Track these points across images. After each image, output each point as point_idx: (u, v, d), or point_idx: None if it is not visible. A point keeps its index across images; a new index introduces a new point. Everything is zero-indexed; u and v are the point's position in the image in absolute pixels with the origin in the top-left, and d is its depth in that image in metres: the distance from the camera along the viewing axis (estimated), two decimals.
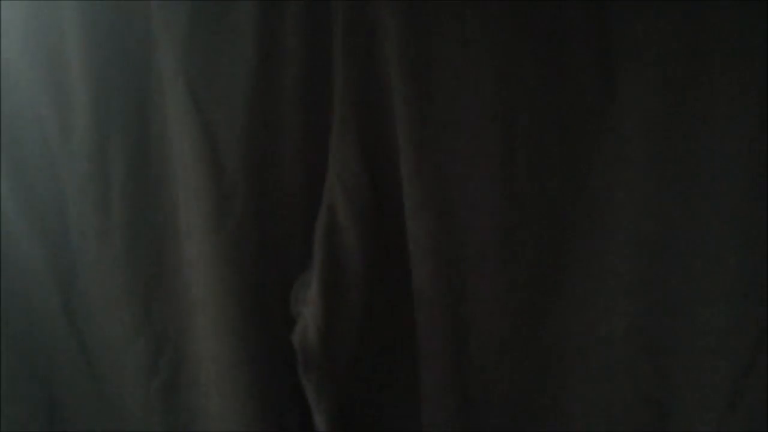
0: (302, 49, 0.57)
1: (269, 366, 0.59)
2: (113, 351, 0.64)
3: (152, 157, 0.61)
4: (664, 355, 0.55)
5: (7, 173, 0.64)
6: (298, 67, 0.57)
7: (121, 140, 0.61)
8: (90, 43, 0.60)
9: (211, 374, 0.61)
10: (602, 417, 0.57)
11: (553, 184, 0.55)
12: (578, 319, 0.56)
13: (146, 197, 0.62)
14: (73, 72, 0.61)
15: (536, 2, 0.53)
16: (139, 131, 0.61)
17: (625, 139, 0.54)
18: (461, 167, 0.55)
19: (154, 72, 0.60)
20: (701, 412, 0.54)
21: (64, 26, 0.61)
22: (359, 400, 0.60)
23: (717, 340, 0.53)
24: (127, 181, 0.62)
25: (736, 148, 0.52)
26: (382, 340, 0.59)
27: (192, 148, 0.59)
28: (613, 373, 0.56)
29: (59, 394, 0.67)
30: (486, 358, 0.57)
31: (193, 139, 0.58)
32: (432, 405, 0.58)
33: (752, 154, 0.51)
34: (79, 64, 0.61)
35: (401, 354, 0.59)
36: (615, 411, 0.56)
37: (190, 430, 0.64)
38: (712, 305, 0.53)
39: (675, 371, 0.55)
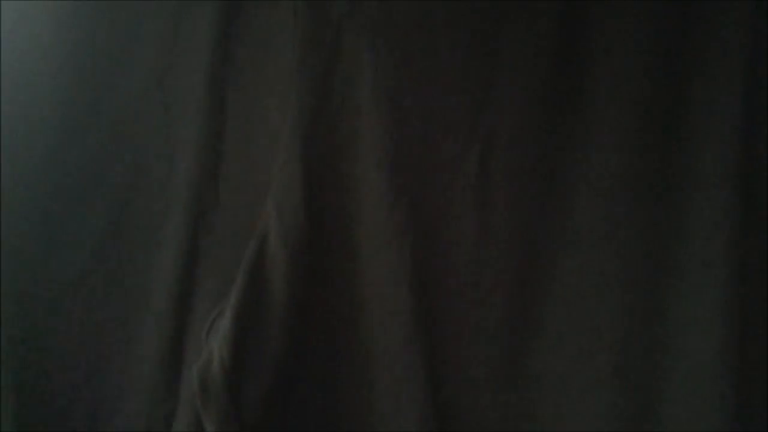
0: (257, 65, 0.55)
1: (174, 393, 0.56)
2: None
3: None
4: (654, 393, 0.52)
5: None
6: (250, 84, 0.56)
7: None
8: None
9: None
10: None
11: (531, 210, 0.52)
12: (560, 357, 0.52)
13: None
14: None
15: (508, 26, 0.52)
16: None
17: (603, 164, 0.51)
18: (436, 195, 0.52)
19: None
20: None
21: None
22: None
23: (709, 375, 0.50)
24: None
25: (719, 159, 0.50)
26: (309, 386, 0.54)
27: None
28: (600, 412, 0.52)
29: None
30: (460, 406, 0.53)
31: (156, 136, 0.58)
32: None
33: (735, 166, 0.50)
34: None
35: (335, 400, 0.54)
36: None
37: None
38: (702, 336, 0.50)
39: (666, 409, 0.52)
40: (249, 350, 0.52)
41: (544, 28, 0.51)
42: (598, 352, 0.52)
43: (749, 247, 0.50)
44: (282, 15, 0.54)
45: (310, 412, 0.54)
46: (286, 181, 0.53)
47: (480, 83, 0.52)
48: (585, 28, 0.51)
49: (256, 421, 0.52)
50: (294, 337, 0.53)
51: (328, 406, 0.54)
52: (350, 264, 0.53)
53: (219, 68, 0.56)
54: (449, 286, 0.53)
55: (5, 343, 0.59)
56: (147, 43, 0.58)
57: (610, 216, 0.51)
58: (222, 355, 0.51)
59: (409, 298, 0.52)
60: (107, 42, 0.59)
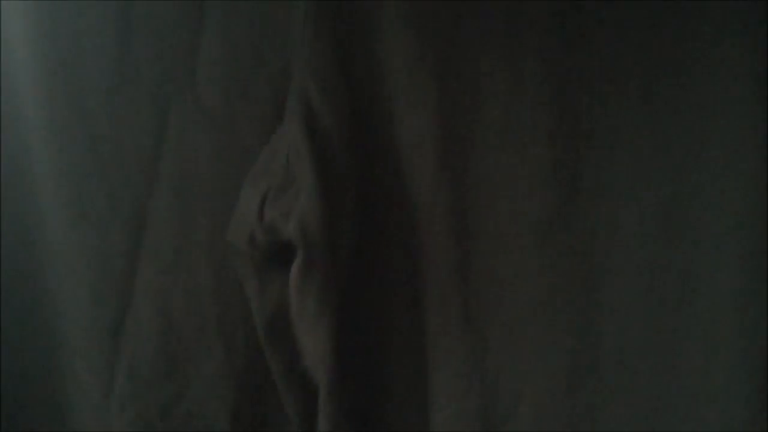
0: None
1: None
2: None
3: None
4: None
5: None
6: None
7: None
8: None
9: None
10: None
11: (561, 66, 0.52)
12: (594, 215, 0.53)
13: None
14: None
15: None
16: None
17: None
18: (462, 55, 0.52)
19: None
20: None
21: None
22: (361, 320, 0.56)
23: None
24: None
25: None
26: (379, 239, 0.56)
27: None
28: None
29: None
30: (492, 282, 0.54)
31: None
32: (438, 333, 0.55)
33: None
34: None
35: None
36: None
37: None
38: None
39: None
40: (338, 213, 0.53)
41: None
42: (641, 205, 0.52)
43: None
44: None
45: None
46: (319, 55, 0.53)
47: None
48: None
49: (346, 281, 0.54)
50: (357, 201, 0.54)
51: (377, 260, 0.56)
52: (387, 129, 0.54)
53: None
54: (479, 142, 0.53)
55: None
56: None
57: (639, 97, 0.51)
58: (316, 217, 0.53)
59: (436, 155, 0.53)
60: None
